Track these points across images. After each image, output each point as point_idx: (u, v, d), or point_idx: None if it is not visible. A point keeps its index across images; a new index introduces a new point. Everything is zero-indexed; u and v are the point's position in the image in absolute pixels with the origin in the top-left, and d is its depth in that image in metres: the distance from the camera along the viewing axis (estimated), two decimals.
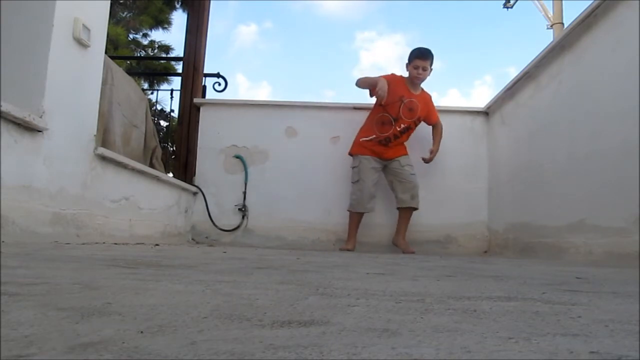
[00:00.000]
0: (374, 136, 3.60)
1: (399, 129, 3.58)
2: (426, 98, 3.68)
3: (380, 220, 3.83)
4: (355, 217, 3.63)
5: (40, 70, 2.12)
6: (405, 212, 3.63)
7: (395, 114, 3.53)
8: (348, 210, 3.65)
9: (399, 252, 3.55)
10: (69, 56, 2.31)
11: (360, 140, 3.66)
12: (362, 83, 3.60)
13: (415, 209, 3.63)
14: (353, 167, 3.65)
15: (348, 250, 3.51)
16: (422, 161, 3.70)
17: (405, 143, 3.70)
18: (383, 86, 3.43)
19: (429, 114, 3.69)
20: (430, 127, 3.80)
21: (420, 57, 3.53)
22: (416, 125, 3.67)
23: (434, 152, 3.70)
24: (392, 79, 3.59)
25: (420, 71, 3.54)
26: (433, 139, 3.77)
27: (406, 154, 3.68)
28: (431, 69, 3.62)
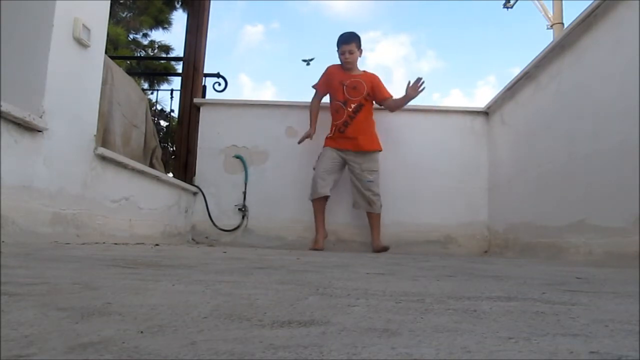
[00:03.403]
0: (334, 127, 3.72)
1: (350, 109, 3.66)
2: (371, 77, 3.76)
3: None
4: (315, 205, 3.67)
5: (40, 70, 2.12)
6: (369, 216, 3.67)
7: (342, 98, 3.69)
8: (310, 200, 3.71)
9: (397, 253, 3.55)
10: (69, 56, 2.31)
11: (327, 136, 3.76)
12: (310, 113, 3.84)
13: (375, 213, 3.64)
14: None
15: (316, 249, 3.49)
16: (418, 82, 3.56)
17: (368, 136, 3.66)
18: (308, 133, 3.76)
19: (378, 91, 3.72)
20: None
21: (344, 42, 3.70)
22: (368, 102, 3.69)
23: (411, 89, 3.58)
24: (330, 70, 3.79)
25: (347, 55, 3.69)
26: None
27: (367, 150, 3.63)
28: (360, 50, 3.75)
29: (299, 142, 3.79)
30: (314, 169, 3.71)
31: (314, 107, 3.84)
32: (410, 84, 3.57)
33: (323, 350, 0.43)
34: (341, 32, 3.77)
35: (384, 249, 3.57)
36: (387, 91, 3.76)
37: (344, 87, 3.69)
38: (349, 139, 3.64)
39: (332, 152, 3.68)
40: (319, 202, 3.67)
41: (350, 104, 3.66)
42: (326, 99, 3.86)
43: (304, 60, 3.84)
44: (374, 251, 3.57)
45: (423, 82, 3.56)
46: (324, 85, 3.82)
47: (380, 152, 3.71)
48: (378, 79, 3.78)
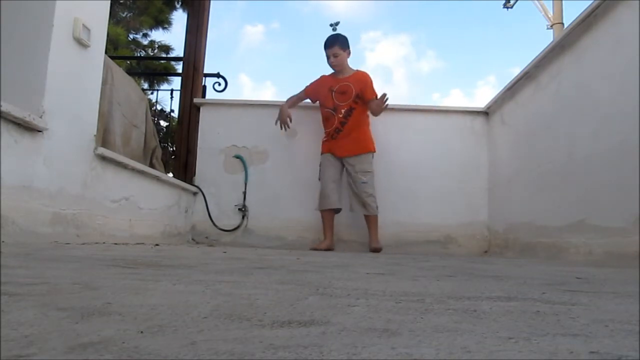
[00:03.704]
0: (326, 134, 3.73)
1: (341, 115, 3.65)
2: (360, 76, 3.70)
3: (379, 220, 3.82)
4: (324, 216, 3.67)
5: (40, 70, 2.12)
6: (366, 218, 3.66)
7: (332, 105, 3.68)
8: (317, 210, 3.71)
9: (397, 253, 3.55)
10: (69, 56, 2.31)
11: (322, 140, 3.78)
12: (290, 105, 3.88)
13: (371, 215, 3.62)
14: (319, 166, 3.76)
15: (317, 249, 3.49)
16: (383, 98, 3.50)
17: (361, 137, 3.63)
18: (281, 115, 3.79)
19: (365, 90, 3.63)
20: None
21: (327, 47, 3.70)
22: (359, 104, 3.63)
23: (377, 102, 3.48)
24: (322, 79, 3.80)
25: (332, 58, 3.69)
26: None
27: (360, 153, 3.61)
28: (348, 51, 3.72)
29: (284, 128, 3.80)
30: (319, 179, 3.70)
31: (291, 100, 3.86)
32: (377, 98, 3.54)
33: (323, 350, 0.43)
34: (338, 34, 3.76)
35: (376, 250, 3.56)
36: (372, 91, 3.64)
37: (333, 93, 3.68)
38: (341, 146, 3.63)
39: (331, 159, 3.68)
40: (330, 213, 3.67)
41: (340, 109, 3.64)
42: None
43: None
44: (370, 251, 3.57)
45: (387, 99, 3.47)
46: (313, 91, 3.82)
47: (375, 153, 3.67)
48: (367, 78, 3.70)
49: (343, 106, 3.64)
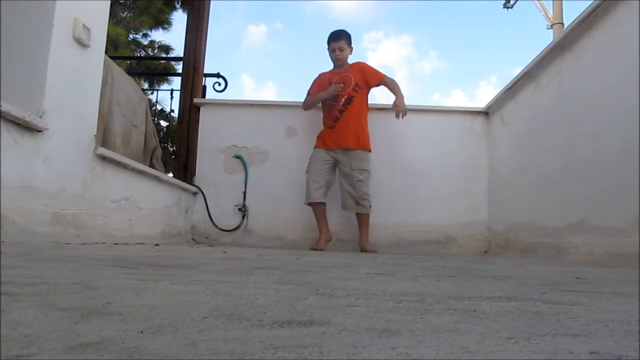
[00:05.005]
0: (325, 125, 3.73)
1: (341, 103, 3.65)
2: (359, 66, 3.74)
3: (379, 220, 3.83)
4: (314, 209, 3.67)
5: (40, 70, 2.12)
6: (358, 216, 3.65)
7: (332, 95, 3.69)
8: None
9: (397, 253, 3.55)
10: (69, 56, 2.31)
11: (318, 134, 3.77)
12: (311, 104, 3.82)
13: (364, 214, 3.62)
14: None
15: (316, 250, 3.49)
16: (397, 116, 3.57)
17: (360, 132, 3.62)
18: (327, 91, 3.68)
19: (368, 76, 3.68)
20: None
21: (333, 40, 3.71)
22: (359, 94, 3.65)
23: (398, 105, 3.57)
24: (321, 75, 3.83)
25: (337, 52, 3.70)
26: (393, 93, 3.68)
27: (359, 148, 3.60)
28: (351, 48, 3.76)
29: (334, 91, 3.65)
30: (306, 172, 3.70)
31: (311, 98, 3.82)
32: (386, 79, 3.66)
33: (323, 350, 0.43)
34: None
35: (366, 251, 3.55)
36: (375, 73, 3.70)
37: (332, 84, 3.70)
38: (338, 137, 3.61)
39: (322, 154, 3.66)
40: (318, 206, 3.66)
41: (340, 98, 3.66)
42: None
43: None
44: (361, 251, 3.57)
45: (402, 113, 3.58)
46: (316, 89, 3.82)
47: (371, 153, 3.66)
48: (364, 64, 3.75)
49: (342, 94, 3.65)
